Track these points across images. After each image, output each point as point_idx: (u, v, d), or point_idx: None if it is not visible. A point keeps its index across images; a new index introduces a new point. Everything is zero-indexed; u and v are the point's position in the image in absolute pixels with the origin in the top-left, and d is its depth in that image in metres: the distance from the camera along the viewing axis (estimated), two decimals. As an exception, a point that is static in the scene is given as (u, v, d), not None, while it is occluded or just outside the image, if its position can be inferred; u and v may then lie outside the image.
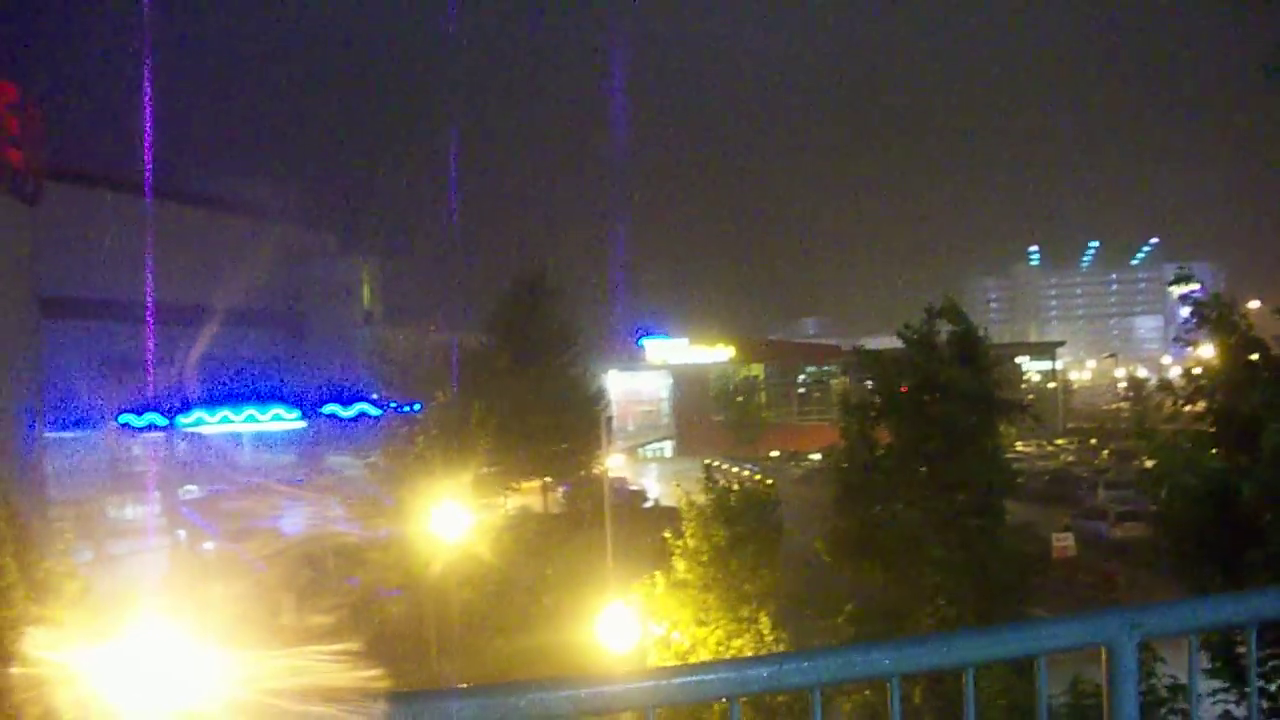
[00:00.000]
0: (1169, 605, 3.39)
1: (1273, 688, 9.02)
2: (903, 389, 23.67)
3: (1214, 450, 10.20)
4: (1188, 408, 10.74)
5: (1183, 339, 10.78)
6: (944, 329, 24.23)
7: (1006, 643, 3.17)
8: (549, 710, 2.71)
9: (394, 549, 39.27)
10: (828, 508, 25.86)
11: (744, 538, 25.30)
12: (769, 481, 46.55)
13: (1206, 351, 10.83)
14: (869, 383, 26.66)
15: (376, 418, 78.71)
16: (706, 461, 66.27)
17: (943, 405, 22.94)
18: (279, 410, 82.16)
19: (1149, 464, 11.96)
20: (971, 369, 23.53)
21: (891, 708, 2.97)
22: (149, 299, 71.60)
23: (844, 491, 24.41)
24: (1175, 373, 10.89)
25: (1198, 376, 10.65)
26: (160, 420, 76.61)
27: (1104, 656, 3.14)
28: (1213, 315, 10.33)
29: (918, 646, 3.06)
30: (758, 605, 24.44)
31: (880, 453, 23.78)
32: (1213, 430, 10.49)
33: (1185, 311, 10.93)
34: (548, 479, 63.24)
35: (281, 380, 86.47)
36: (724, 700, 2.91)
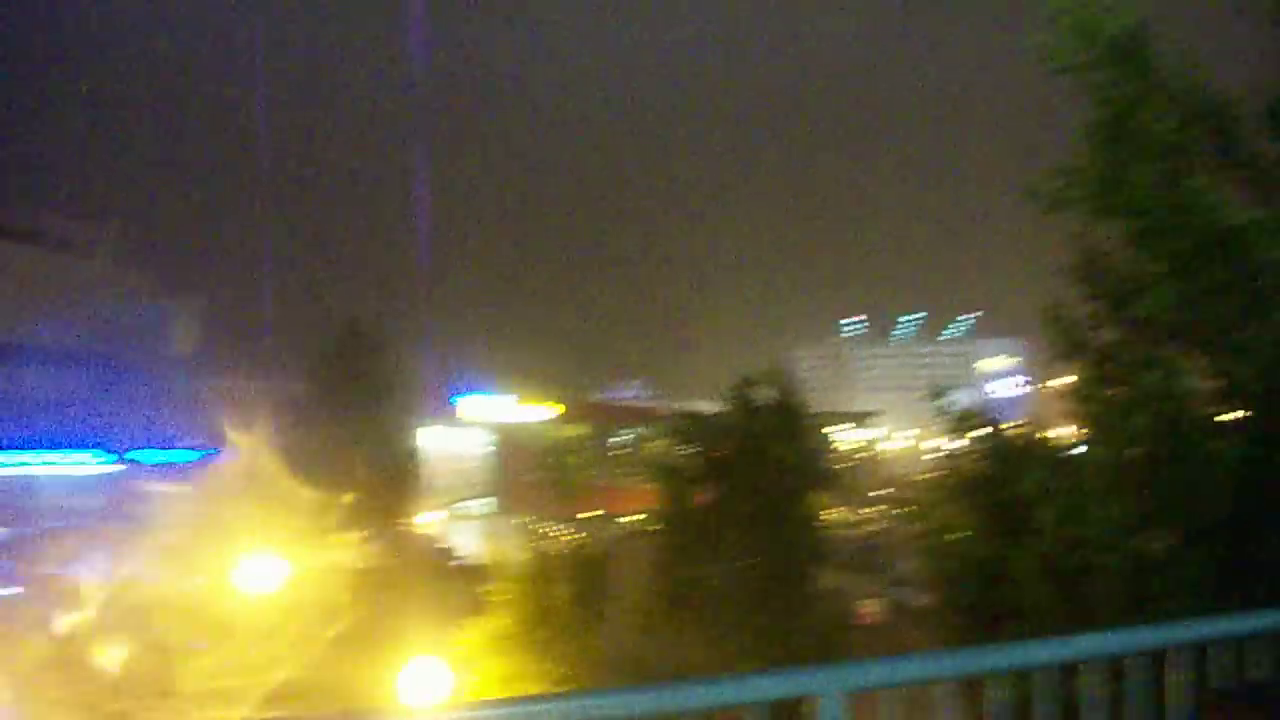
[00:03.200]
0: (874, 662, 3.66)
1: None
2: (717, 453, 24.10)
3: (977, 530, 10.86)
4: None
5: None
6: (768, 393, 24.78)
7: (725, 692, 3.43)
8: None
9: (200, 599, 38.56)
10: (645, 569, 26.19)
11: (575, 596, 25.56)
12: (587, 540, 46.83)
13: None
14: (682, 447, 27.09)
15: (189, 463, 77.23)
16: (519, 520, 66.01)
17: (758, 471, 23.43)
18: (85, 454, 79.91)
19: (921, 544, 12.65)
20: (790, 439, 24.10)
21: None
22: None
23: (661, 552, 24.75)
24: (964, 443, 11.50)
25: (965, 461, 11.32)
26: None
27: (816, 709, 3.39)
28: (966, 425, 11.04)
29: (641, 694, 3.34)
30: (573, 666, 24.59)
31: (697, 515, 24.12)
32: (982, 510, 11.14)
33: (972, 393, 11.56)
34: (363, 532, 62.61)
35: (92, 422, 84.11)
36: None
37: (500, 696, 24.24)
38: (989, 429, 10.90)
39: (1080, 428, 11.55)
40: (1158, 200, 8.53)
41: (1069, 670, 4.03)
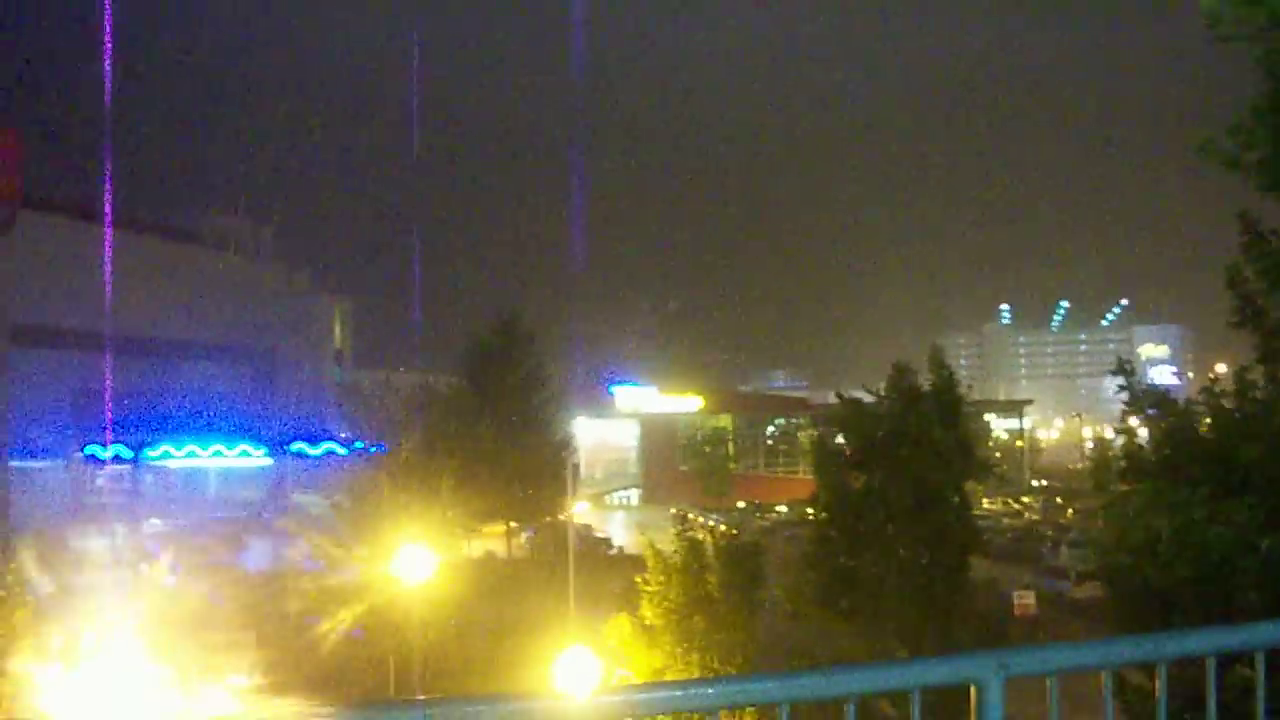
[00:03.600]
0: (1034, 648, 3.69)
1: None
2: (876, 441, 23.78)
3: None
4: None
5: (1126, 417, 11.00)
6: (926, 382, 24.43)
7: (884, 678, 3.46)
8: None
9: (357, 589, 39.22)
10: (796, 559, 25.93)
11: (729, 586, 25.51)
12: (737, 531, 46.66)
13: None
14: (839, 436, 26.76)
15: (344, 457, 78.66)
16: (674, 511, 66.26)
17: (917, 459, 23.06)
18: (245, 446, 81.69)
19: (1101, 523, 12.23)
20: (948, 427, 23.70)
21: None
22: (117, 330, 71.38)
23: (817, 541, 24.50)
24: (1143, 434, 11.08)
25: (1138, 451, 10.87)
26: (126, 453, 75.99)
27: (973, 694, 3.39)
28: (1147, 404, 10.59)
29: (803, 678, 3.40)
30: (726, 655, 24.51)
31: (854, 503, 23.81)
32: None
33: (1121, 382, 11.09)
34: (512, 523, 63.13)
35: (249, 416, 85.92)
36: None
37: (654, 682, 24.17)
38: (1183, 403, 10.45)
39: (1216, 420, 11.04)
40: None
41: (1231, 660, 4.03)
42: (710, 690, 3.26)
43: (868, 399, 25.29)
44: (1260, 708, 3.94)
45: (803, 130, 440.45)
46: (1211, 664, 3.80)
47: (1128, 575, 10.56)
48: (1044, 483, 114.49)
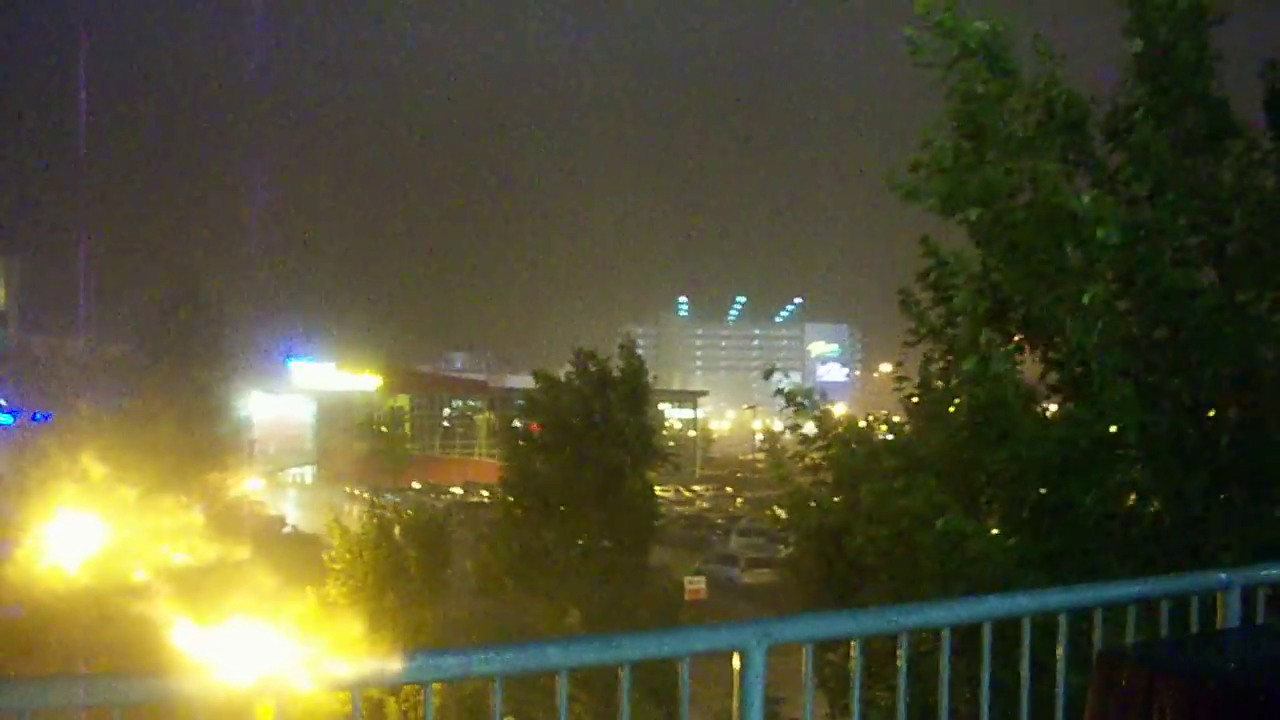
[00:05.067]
0: (795, 619, 4.13)
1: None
2: (563, 425, 24.32)
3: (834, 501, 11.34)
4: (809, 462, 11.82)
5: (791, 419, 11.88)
6: (615, 369, 25.07)
7: (659, 644, 3.78)
8: None
9: (13, 565, 37.62)
10: (481, 538, 26.29)
11: (416, 563, 25.61)
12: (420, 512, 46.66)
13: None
14: (516, 421, 27.27)
15: (4, 425, 74.88)
16: (349, 490, 65.69)
17: (603, 443, 23.72)
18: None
19: (780, 512, 13.10)
20: (633, 413, 24.44)
21: (560, 698, 3.54)
22: None
23: (504, 520, 24.89)
24: (809, 427, 11.92)
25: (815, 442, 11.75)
26: None
27: (737, 661, 3.73)
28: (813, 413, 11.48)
29: (585, 644, 3.76)
30: (415, 630, 24.65)
31: (540, 485, 24.24)
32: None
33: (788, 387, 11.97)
34: (184, 499, 61.30)
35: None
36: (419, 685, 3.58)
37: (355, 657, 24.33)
38: (819, 411, 11.36)
39: (909, 413, 12.12)
40: (1007, 186, 9.05)
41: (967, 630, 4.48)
42: (491, 655, 3.42)
43: (550, 384, 25.84)
44: (985, 678, 4.39)
45: (499, 113, 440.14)
46: (946, 634, 4.26)
47: (804, 561, 11.55)
48: (716, 471, 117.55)
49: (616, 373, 25.21)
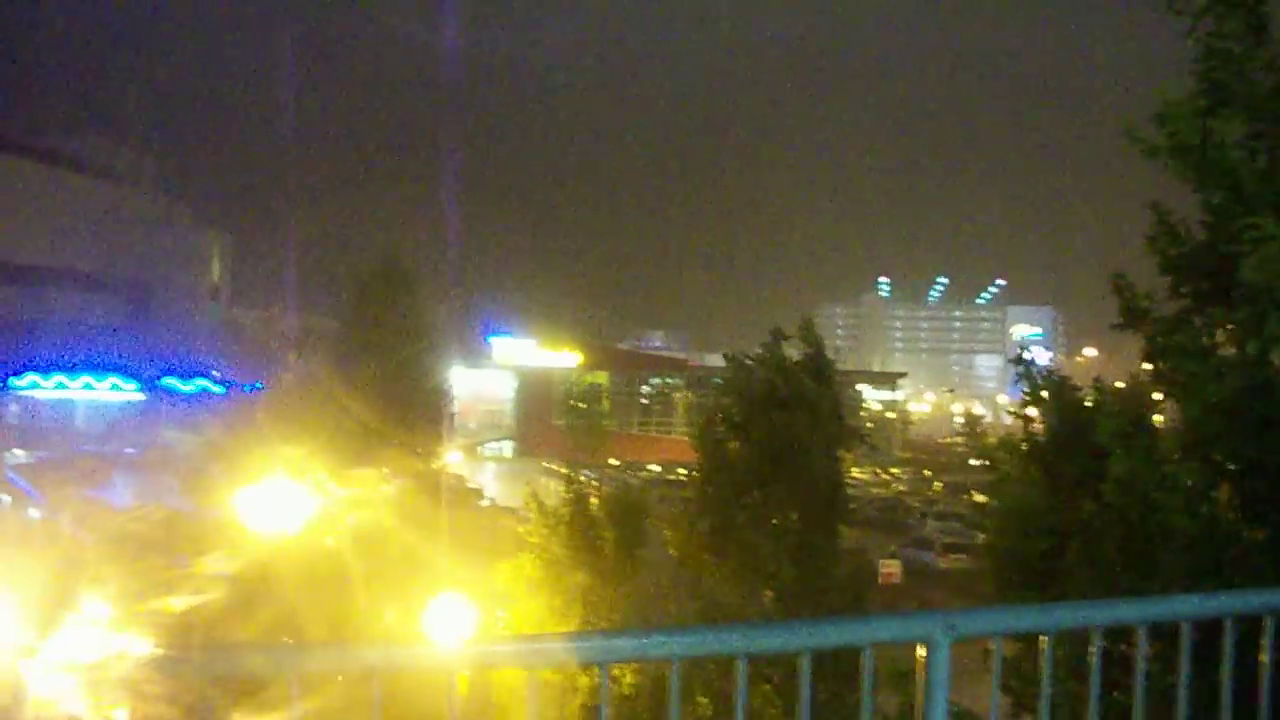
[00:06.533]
0: (982, 611, 4.05)
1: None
2: (753, 404, 24.06)
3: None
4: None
5: (1018, 403, 11.31)
6: (798, 350, 24.73)
7: (840, 633, 3.70)
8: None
9: (226, 529, 38.77)
10: (676, 515, 26.31)
11: (612, 542, 25.78)
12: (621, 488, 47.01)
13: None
14: (706, 400, 27.11)
15: (218, 395, 77.48)
16: (546, 465, 66.28)
17: (790, 418, 23.38)
18: (116, 380, 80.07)
19: (979, 497, 12.65)
20: (824, 385, 24.05)
21: (738, 683, 3.41)
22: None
23: (695, 502, 24.80)
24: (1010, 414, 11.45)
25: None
26: (-10, 380, 74.47)
27: (921, 652, 3.55)
28: (1041, 390, 10.92)
29: (763, 631, 3.69)
30: (609, 609, 24.75)
31: (730, 465, 24.08)
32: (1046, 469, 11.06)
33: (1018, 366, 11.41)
34: (385, 470, 62.62)
35: (122, 349, 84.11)
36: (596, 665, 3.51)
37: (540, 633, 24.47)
38: (1057, 383, 10.80)
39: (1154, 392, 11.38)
40: (1251, 157, 8.42)
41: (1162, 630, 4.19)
42: (667, 638, 3.39)
43: (749, 362, 25.57)
44: (1183, 679, 4.11)
45: (694, 94, 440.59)
46: (1142, 632, 4.00)
47: (1013, 550, 10.97)
48: (914, 454, 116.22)
49: (798, 355, 24.86)
